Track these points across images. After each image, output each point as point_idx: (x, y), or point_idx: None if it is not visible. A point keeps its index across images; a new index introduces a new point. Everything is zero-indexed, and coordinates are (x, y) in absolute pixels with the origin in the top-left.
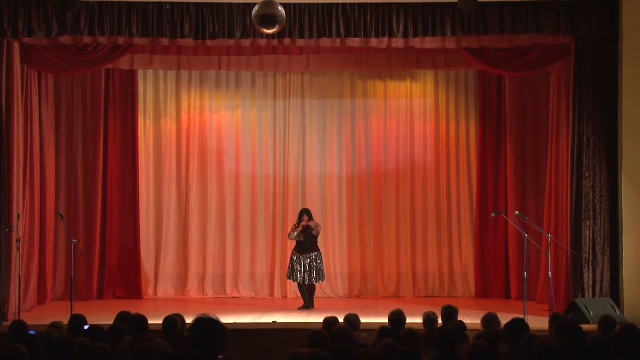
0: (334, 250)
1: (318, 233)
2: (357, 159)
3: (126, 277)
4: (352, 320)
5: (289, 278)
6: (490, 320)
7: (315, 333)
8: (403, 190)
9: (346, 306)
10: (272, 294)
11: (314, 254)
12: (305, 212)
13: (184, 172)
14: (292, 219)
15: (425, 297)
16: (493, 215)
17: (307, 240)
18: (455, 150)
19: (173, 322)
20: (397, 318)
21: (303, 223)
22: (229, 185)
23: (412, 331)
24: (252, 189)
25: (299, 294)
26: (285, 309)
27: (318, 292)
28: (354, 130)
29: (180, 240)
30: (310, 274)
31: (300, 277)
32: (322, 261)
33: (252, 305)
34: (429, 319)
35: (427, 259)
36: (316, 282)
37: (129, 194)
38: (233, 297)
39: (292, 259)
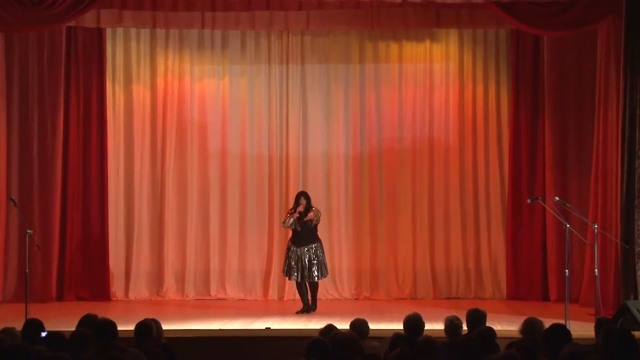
0: (339, 244)
1: (318, 221)
2: (366, 135)
3: (91, 274)
4: (359, 326)
5: (285, 275)
6: (531, 326)
7: (316, 342)
8: (421, 172)
9: (353, 309)
10: (265, 295)
11: (313, 245)
12: (303, 195)
13: (159, 150)
14: (290, 206)
15: (447, 299)
16: (528, 201)
17: (305, 230)
18: (483, 124)
19: (147, 328)
20: (413, 323)
21: (299, 208)
22: (214, 166)
23: (431, 339)
24: (242, 170)
25: (298, 296)
26: (281, 312)
27: (320, 293)
28: (363, 100)
29: (155, 231)
30: (310, 269)
31: (297, 274)
32: (323, 253)
33: (241, 309)
34: (452, 324)
35: (449, 254)
36: (318, 278)
37: (95, 175)
38: (219, 299)
39: (287, 251)
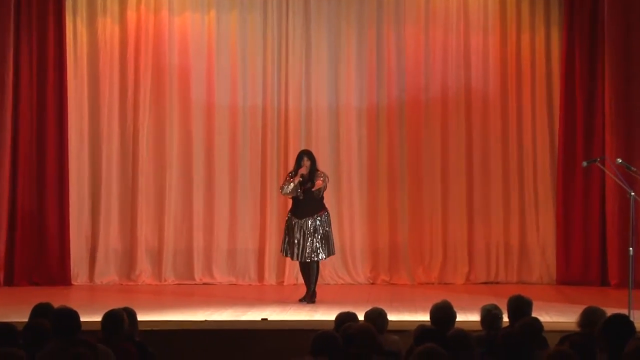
0: (350, 218)
1: (325, 189)
2: (384, 83)
3: (48, 255)
4: (376, 317)
5: (284, 254)
6: (592, 318)
7: (323, 336)
8: (453, 130)
9: (368, 297)
10: (261, 279)
11: (318, 217)
12: (306, 155)
13: (131, 100)
14: (289, 169)
15: (485, 283)
16: (584, 164)
17: (309, 198)
18: (530, 72)
19: (117, 320)
20: (442, 314)
21: (302, 171)
22: (198, 122)
23: (464, 333)
24: (232, 127)
25: (302, 279)
26: (280, 300)
27: (328, 277)
28: (381, 42)
29: (126, 202)
30: (313, 245)
31: (298, 252)
32: (330, 226)
33: (231, 296)
34: (490, 314)
35: (487, 230)
36: (324, 257)
37: (51, 134)
38: (204, 284)
39: (287, 224)
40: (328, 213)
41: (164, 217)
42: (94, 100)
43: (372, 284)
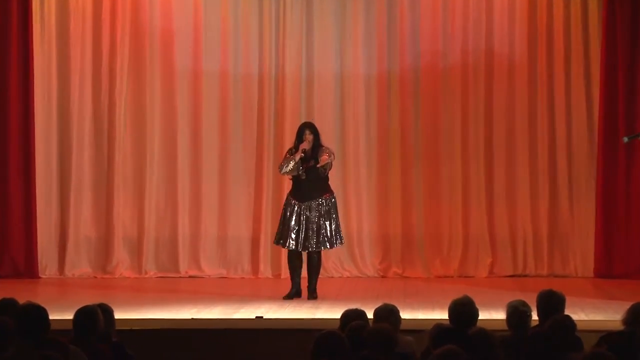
0: (357, 201)
1: (331, 167)
2: (396, 49)
3: (11, 244)
4: (387, 314)
5: (277, 242)
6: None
7: (326, 336)
8: (474, 101)
9: (378, 292)
10: (255, 272)
11: (323, 200)
12: (308, 128)
13: (106, 67)
14: (289, 145)
15: (511, 276)
16: (625, 139)
17: (312, 178)
18: (563, 36)
19: (91, 317)
20: (462, 311)
21: (303, 146)
22: (183, 92)
23: (487, 332)
24: (222, 98)
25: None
26: (277, 295)
27: (332, 269)
28: (393, 0)
29: (101, 183)
30: (318, 233)
31: (296, 241)
32: (337, 211)
33: (222, 291)
34: (517, 312)
35: (513, 216)
36: (329, 246)
37: (15, 105)
38: (190, 277)
39: (286, 208)
40: (334, 196)
41: (144, 201)
42: (63, 68)
43: (383, 277)
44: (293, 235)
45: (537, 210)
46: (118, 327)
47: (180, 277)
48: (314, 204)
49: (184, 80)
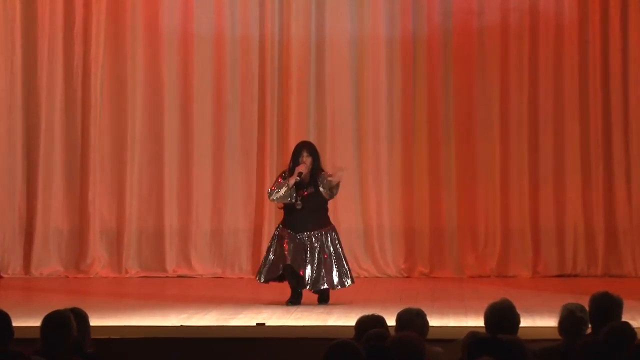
0: (377, 188)
1: (337, 190)
2: (423, 6)
3: None
4: (412, 321)
5: (259, 277)
6: None
7: (340, 347)
8: (516, 68)
9: (401, 295)
10: (256, 271)
11: (322, 232)
12: (306, 149)
13: (79, 29)
14: (295, 126)
15: (558, 277)
16: None
17: (309, 208)
18: None
19: (62, 324)
20: (501, 316)
21: (300, 169)
22: (170, 59)
23: (518, 343)
24: (217, 65)
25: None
26: (282, 299)
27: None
28: None
29: (73, 167)
30: (319, 271)
31: (307, 279)
32: (340, 243)
33: (216, 294)
34: (573, 317)
35: (561, 207)
36: (334, 286)
37: None
38: (179, 277)
39: (274, 241)
40: (334, 229)
41: (125, 187)
42: (29, 31)
43: (407, 277)
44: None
45: (590, 199)
46: (94, 335)
47: (167, 277)
48: (315, 235)
49: (172, 44)
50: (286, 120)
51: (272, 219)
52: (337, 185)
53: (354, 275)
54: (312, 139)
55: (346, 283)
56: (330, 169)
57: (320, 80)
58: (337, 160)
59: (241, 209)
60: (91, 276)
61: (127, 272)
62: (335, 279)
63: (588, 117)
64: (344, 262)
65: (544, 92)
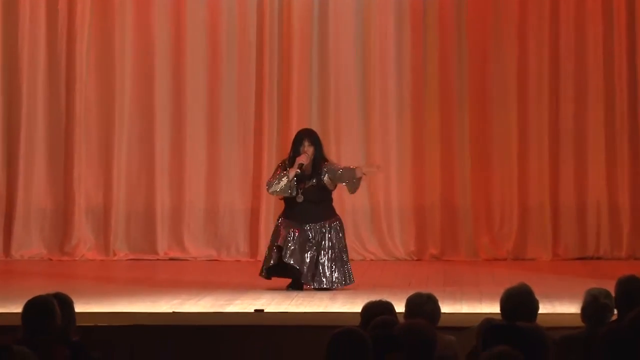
0: (385, 164)
1: (358, 185)
2: None
3: None
4: (422, 307)
5: (263, 273)
6: None
7: (344, 335)
8: (535, 34)
9: (410, 279)
10: (254, 254)
11: (326, 225)
12: (307, 137)
13: None
14: (296, 97)
15: (580, 259)
16: None
17: (312, 200)
18: None
19: (45, 310)
20: (519, 302)
21: (301, 159)
22: (161, 23)
23: (537, 331)
24: (211, 31)
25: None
26: (282, 283)
27: (353, 251)
28: None
29: (57, 142)
30: (322, 267)
31: (305, 271)
32: (344, 237)
33: (211, 278)
34: (597, 304)
35: (583, 183)
36: (341, 284)
37: None
38: (170, 260)
39: (277, 231)
40: (340, 221)
41: (113, 164)
42: None
43: (417, 260)
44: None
45: (614, 175)
46: (79, 322)
47: (158, 259)
48: (318, 227)
49: (163, 8)
50: (286, 91)
51: (270, 197)
52: (360, 179)
53: (359, 257)
54: (314, 110)
55: (346, 283)
56: (362, 162)
57: (323, 46)
58: (342, 132)
59: (238, 187)
60: (76, 259)
61: (115, 254)
62: (335, 279)
63: (613, 86)
64: (346, 261)
65: (565, 60)
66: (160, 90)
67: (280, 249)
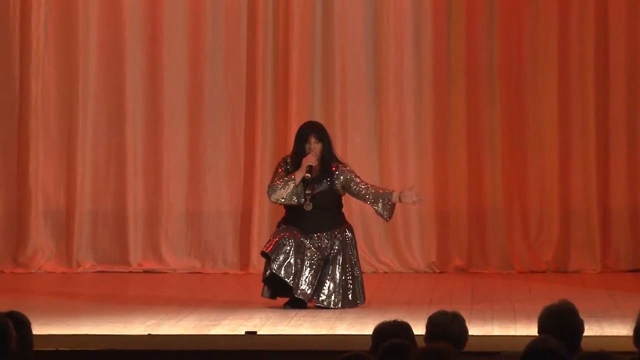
0: (402, 161)
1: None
2: None
3: None
4: (445, 326)
5: (266, 293)
6: None
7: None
8: (579, 7)
9: (431, 295)
10: (245, 266)
11: (335, 232)
12: (314, 133)
13: None
14: (296, 79)
15: (633, 272)
16: None
17: (321, 207)
18: None
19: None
20: (560, 322)
21: (308, 160)
22: (138, 13)
23: (603, 356)
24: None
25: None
26: (277, 300)
27: (364, 263)
28: None
29: (10, 130)
30: (323, 284)
31: (302, 285)
32: (356, 247)
33: (193, 294)
34: None
35: (637, 183)
36: (342, 305)
37: None
38: (145, 272)
39: (279, 243)
40: (351, 229)
41: (76, 157)
42: None
43: (439, 273)
44: (300, 280)
45: None
46: (37, 347)
47: (131, 271)
48: (327, 236)
49: None
50: (283, 71)
51: (264, 198)
52: (394, 205)
53: (371, 269)
54: (317, 96)
55: (358, 301)
56: (401, 187)
57: (327, 25)
58: (349, 124)
59: (225, 186)
60: (33, 271)
61: (79, 265)
62: (341, 300)
63: None
64: (357, 275)
65: (615, 37)
66: (132, 68)
67: (268, 257)
